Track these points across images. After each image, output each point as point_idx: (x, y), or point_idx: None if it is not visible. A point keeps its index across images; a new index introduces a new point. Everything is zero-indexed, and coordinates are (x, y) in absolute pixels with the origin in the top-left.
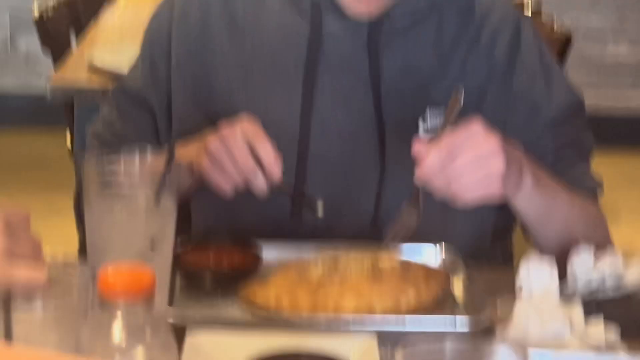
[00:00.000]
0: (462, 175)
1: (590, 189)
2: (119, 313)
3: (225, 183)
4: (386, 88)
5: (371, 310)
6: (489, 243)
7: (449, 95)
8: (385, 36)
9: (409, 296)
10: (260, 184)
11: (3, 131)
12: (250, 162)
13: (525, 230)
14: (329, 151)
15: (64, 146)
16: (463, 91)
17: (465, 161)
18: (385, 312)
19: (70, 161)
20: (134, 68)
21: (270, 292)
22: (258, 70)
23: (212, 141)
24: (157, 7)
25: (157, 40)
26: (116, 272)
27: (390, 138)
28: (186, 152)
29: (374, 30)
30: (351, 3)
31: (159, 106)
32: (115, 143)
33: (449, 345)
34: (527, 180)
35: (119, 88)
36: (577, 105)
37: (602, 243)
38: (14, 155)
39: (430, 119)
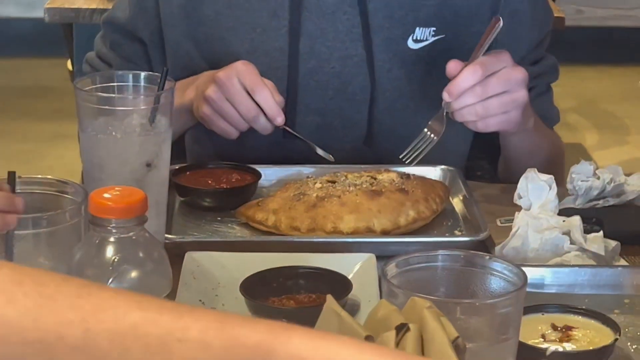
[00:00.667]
0: (492, 97)
1: (553, 120)
2: (110, 230)
3: (228, 128)
4: (375, 5)
5: (370, 230)
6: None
7: (437, 14)
8: None
9: (408, 215)
10: (263, 125)
11: (6, 58)
12: (251, 108)
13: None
14: (319, 71)
15: (67, 72)
16: (501, 22)
17: (495, 84)
18: (384, 231)
19: (72, 86)
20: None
21: (269, 212)
22: None
23: (211, 89)
24: None
25: None
26: (107, 191)
27: (378, 56)
28: (184, 95)
29: None
30: None
31: (150, 38)
32: None
33: (441, 261)
34: (532, 115)
35: (107, 20)
36: (547, 31)
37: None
38: (18, 82)
39: (420, 39)
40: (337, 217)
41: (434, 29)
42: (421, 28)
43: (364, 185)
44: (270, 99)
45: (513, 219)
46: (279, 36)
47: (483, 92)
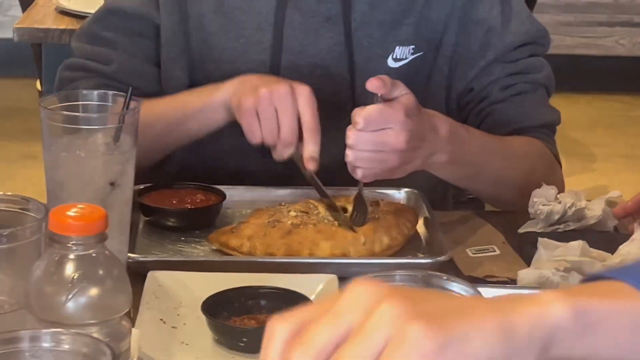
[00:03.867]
0: (361, 150)
1: (541, 126)
2: (69, 248)
3: (257, 135)
4: (356, 25)
5: (345, 257)
6: (452, 190)
7: (416, 32)
8: None
9: (382, 242)
10: (287, 153)
11: None
12: (293, 134)
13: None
14: None
15: (36, 92)
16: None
17: (366, 143)
18: (359, 257)
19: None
20: None
21: (243, 238)
22: (230, 2)
23: (267, 90)
24: None
25: None
26: (68, 208)
27: (360, 75)
28: (216, 91)
29: None
30: None
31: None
32: (103, 71)
33: (399, 281)
34: (438, 160)
35: (112, 8)
36: (535, 38)
37: (548, 182)
38: None
39: (399, 57)
40: (313, 244)
41: (413, 46)
42: (401, 47)
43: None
44: (318, 143)
45: (486, 249)
46: (261, 49)
47: (354, 142)
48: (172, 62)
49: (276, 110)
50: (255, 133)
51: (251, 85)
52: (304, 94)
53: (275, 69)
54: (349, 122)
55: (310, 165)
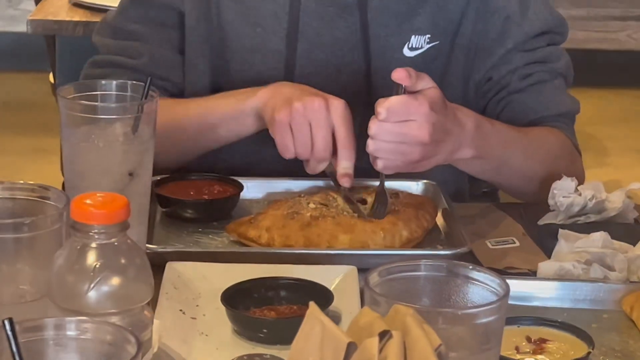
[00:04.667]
0: (382, 141)
1: (561, 115)
2: (91, 236)
3: (290, 149)
4: (372, 14)
5: (364, 248)
6: (466, 183)
7: (431, 22)
8: None
9: (402, 235)
10: (320, 167)
11: None
12: (327, 152)
13: None
14: (315, 76)
15: (49, 86)
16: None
17: (387, 133)
18: (377, 248)
19: (54, 100)
20: None
21: (262, 229)
22: None
23: (300, 104)
24: None
25: None
26: (89, 197)
27: (375, 64)
28: (249, 98)
29: None
30: None
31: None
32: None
33: (423, 270)
34: (463, 155)
35: (134, 1)
36: (552, 27)
37: (569, 172)
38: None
39: (415, 47)
40: (332, 236)
41: (429, 36)
42: (417, 36)
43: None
44: (353, 159)
45: (506, 241)
46: (277, 38)
47: (376, 132)
48: (195, 49)
49: (310, 125)
50: (288, 147)
51: (284, 96)
52: (338, 109)
53: (291, 57)
54: (365, 111)
55: (345, 182)
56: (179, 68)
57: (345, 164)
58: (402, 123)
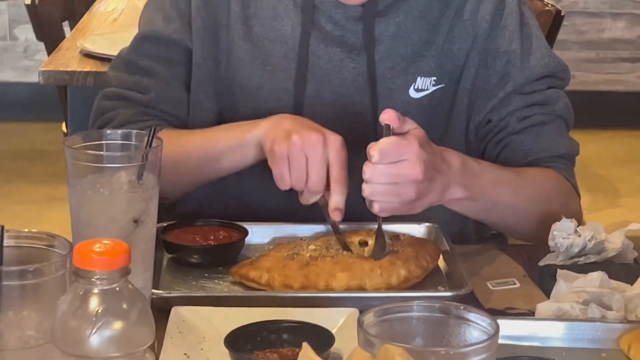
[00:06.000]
0: (377, 184)
1: (559, 156)
2: (93, 282)
3: (286, 181)
4: (379, 56)
5: (362, 288)
6: (473, 226)
7: (437, 65)
8: (379, 6)
9: (400, 274)
10: (313, 199)
11: (2, 121)
12: (321, 183)
13: None
14: (323, 116)
15: (62, 135)
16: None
17: (381, 175)
18: (376, 290)
19: None
20: (155, 15)
21: (262, 270)
22: (258, 30)
23: (299, 137)
24: None
25: None
26: (91, 244)
27: (382, 105)
28: (249, 129)
29: (368, 2)
30: None
31: (188, 50)
32: (141, 99)
33: (417, 310)
34: (454, 195)
35: (146, 35)
36: (554, 72)
37: (565, 212)
38: (14, 145)
39: (421, 88)
40: (330, 275)
41: (435, 78)
42: (422, 78)
43: (356, 252)
44: (344, 195)
45: (506, 282)
46: (286, 77)
47: (370, 176)
48: (200, 86)
49: (306, 158)
50: (285, 180)
51: (284, 129)
52: (335, 145)
53: (299, 97)
54: None
55: (336, 216)
56: (186, 103)
57: (337, 199)
58: (395, 164)
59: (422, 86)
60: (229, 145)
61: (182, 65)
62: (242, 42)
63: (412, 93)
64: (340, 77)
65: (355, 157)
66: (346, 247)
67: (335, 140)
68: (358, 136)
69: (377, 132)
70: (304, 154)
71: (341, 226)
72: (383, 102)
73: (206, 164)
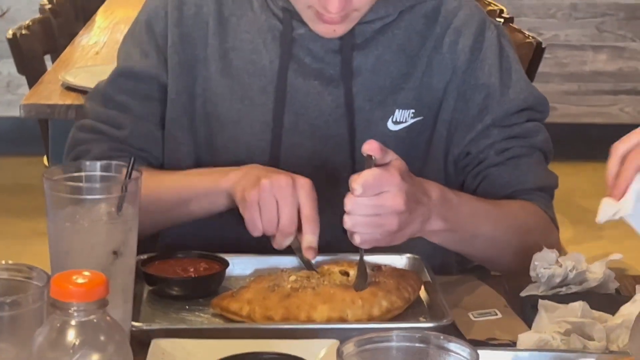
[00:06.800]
0: (359, 215)
1: (538, 189)
2: (71, 314)
3: (258, 227)
4: (358, 88)
5: (344, 320)
6: (455, 257)
7: (416, 97)
8: (357, 38)
9: (381, 305)
10: (286, 243)
11: None
12: (292, 227)
13: None
14: (301, 148)
15: (43, 169)
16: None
17: (363, 207)
18: (358, 321)
19: None
20: (133, 50)
21: (243, 302)
22: (236, 64)
23: (268, 181)
24: None
25: (156, 18)
26: (68, 275)
27: (360, 137)
28: (223, 178)
29: (346, 34)
30: (317, 30)
31: (163, 85)
32: (117, 136)
33: (396, 340)
34: (433, 226)
35: (122, 70)
36: (532, 105)
37: (544, 244)
38: None
39: (399, 121)
40: (311, 307)
41: (413, 110)
42: (401, 110)
43: (338, 282)
44: (316, 234)
45: (488, 313)
46: (265, 111)
47: (352, 208)
48: (175, 121)
49: (277, 202)
50: (256, 225)
51: (254, 177)
52: (304, 187)
53: (277, 129)
54: (348, 183)
55: (310, 255)
56: (161, 141)
57: (309, 238)
58: (377, 196)
59: (401, 118)
60: (199, 192)
61: (157, 101)
62: (221, 77)
63: (391, 125)
64: (318, 110)
65: (333, 189)
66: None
67: (304, 182)
68: (336, 168)
69: (355, 163)
70: (274, 197)
71: (322, 258)
72: (361, 134)
73: (176, 208)
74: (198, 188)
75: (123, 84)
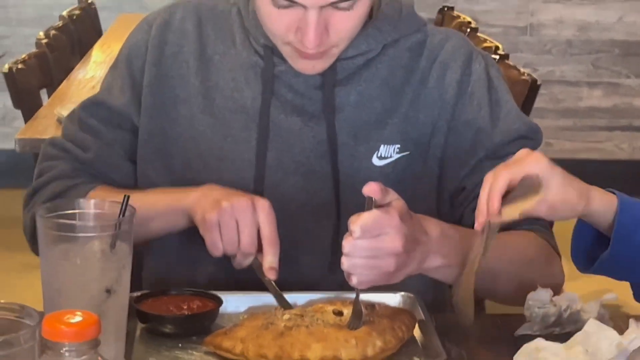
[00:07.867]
0: (356, 257)
1: (537, 219)
2: (62, 354)
3: (218, 247)
4: (341, 124)
5: (338, 359)
6: (447, 293)
7: (401, 132)
8: (339, 74)
9: (375, 345)
10: (247, 262)
11: None
12: (253, 245)
13: None
14: (284, 184)
15: None
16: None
17: (361, 249)
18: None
19: None
20: (114, 82)
21: (237, 340)
22: (219, 102)
23: (227, 203)
24: (136, 28)
25: (137, 53)
26: (60, 315)
27: (344, 172)
28: (184, 197)
29: (328, 70)
30: (297, 66)
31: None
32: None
33: None
34: (432, 264)
35: (94, 102)
36: (525, 135)
37: (546, 273)
38: None
39: (384, 156)
40: (304, 346)
41: (399, 146)
42: (386, 145)
43: (332, 322)
44: (277, 254)
45: None
46: (248, 148)
47: (350, 250)
48: (147, 162)
49: (237, 223)
50: (217, 245)
51: (213, 198)
52: (264, 208)
53: (260, 167)
54: (332, 220)
55: (271, 275)
56: (126, 172)
57: (270, 259)
58: (375, 238)
59: (386, 154)
60: (160, 210)
61: (128, 132)
62: (203, 115)
63: (376, 161)
64: (300, 146)
65: (317, 225)
66: (286, 305)
67: (264, 204)
68: (319, 204)
69: (339, 199)
70: (234, 218)
71: (318, 296)
72: (345, 169)
73: (139, 224)
74: (159, 207)
75: (98, 111)
